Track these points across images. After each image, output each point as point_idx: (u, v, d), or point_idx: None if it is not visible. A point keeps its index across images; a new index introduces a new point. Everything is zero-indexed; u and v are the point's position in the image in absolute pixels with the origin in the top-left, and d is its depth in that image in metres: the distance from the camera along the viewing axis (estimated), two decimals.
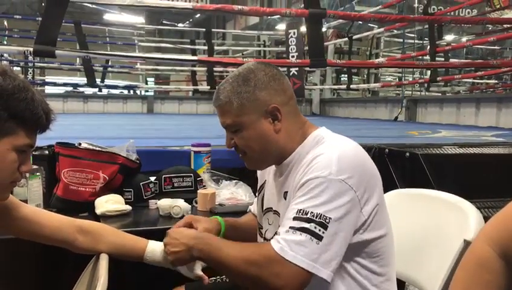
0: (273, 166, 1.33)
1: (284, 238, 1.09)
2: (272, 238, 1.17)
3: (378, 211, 1.17)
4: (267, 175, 1.39)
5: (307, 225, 1.08)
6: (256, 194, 1.45)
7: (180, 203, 1.82)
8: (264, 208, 1.37)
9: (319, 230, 1.07)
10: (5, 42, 9.13)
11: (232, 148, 1.29)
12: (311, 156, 1.17)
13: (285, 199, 1.25)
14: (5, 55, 7.05)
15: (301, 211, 1.10)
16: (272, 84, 1.23)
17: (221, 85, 1.27)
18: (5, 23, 10.15)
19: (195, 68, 8.59)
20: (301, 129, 1.26)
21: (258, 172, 1.46)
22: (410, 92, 7.93)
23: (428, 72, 6.58)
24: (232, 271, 1.15)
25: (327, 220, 1.08)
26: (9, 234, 1.26)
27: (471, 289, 0.86)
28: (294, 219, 1.10)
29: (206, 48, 8.81)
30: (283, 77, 1.27)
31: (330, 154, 1.14)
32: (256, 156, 1.27)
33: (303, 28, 5.95)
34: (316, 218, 1.08)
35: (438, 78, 6.32)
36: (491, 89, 8.75)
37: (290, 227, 1.10)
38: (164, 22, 16.66)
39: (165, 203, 1.84)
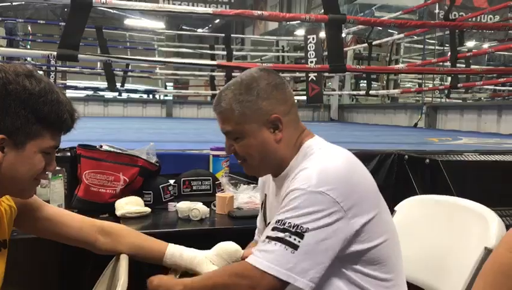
0: (272, 181, 1.34)
1: (259, 249, 1.11)
2: None
3: (375, 221, 1.16)
4: (266, 190, 1.40)
5: (281, 235, 1.08)
6: (260, 210, 1.45)
7: (199, 206, 1.84)
8: (267, 223, 1.37)
9: (294, 239, 1.07)
10: (29, 47, 9.33)
11: (232, 154, 1.30)
12: (298, 170, 1.17)
13: None
14: (28, 59, 7.18)
15: (279, 222, 1.10)
16: (275, 94, 1.22)
17: (222, 91, 1.25)
18: (29, 28, 10.37)
19: (213, 73, 8.64)
20: (299, 138, 1.26)
21: (259, 187, 1.48)
22: (430, 99, 7.85)
23: (449, 78, 6.50)
24: (216, 286, 1.15)
25: (303, 230, 1.07)
26: (32, 234, 1.28)
27: None
28: (272, 229, 1.11)
29: (224, 53, 8.86)
30: (285, 85, 1.27)
31: (312, 168, 1.14)
32: (256, 164, 1.27)
33: (322, 34, 5.94)
34: (292, 228, 1.08)
35: (459, 85, 6.23)
36: None
37: (267, 237, 1.11)
38: (184, 27, 16.81)
39: (184, 206, 1.85)
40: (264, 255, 1.08)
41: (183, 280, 1.21)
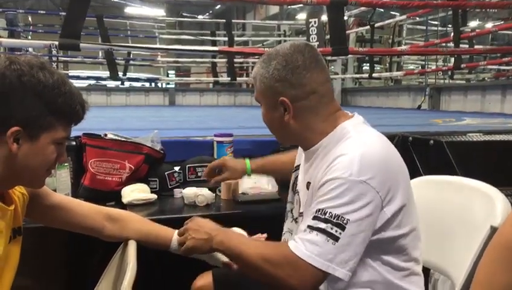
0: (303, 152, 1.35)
1: (301, 238, 1.11)
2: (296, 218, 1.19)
3: (403, 210, 1.16)
4: (300, 156, 1.41)
5: (323, 226, 1.08)
6: (293, 171, 1.47)
7: (205, 192, 1.85)
8: (295, 189, 1.39)
9: (336, 231, 1.08)
10: (30, 37, 9.31)
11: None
12: (334, 154, 1.15)
13: (307, 188, 1.27)
14: (30, 49, 7.16)
15: (320, 211, 1.10)
16: (289, 77, 1.20)
17: (259, 60, 1.29)
18: (30, 18, 10.34)
19: (215, 60, 8.61)
20: (326, 121, 1.23)
21: (298, 152, 1.48)
22: (434, 80, 7.80)
23: (452, 59, 6.45)
24: (249, 266, 1.17)
25: (345, 221, 1.08)
26: (40, 222, 1.30)
27: (498, 274, 0.85)
28: (313, 218, 1.11)
29: (226, 39, 8.81)
30: (308, 69, 1.21)
31: (352, 154, 1.12)
32: (276, 134, 1.33)
33: (324, 17, 5.90)
34: (333, 219, 1.08)
35: (462, 66, 6.18)
36: None
37: (308, 226, 1.11)
38: (184, 14, 16.70)
39: (189, 192, 1.86)
40: (306, 245, 1.09)
41: (224, 231, 1.24)
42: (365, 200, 1.08)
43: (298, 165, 1.42)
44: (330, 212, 1.08)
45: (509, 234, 0.86)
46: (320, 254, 1.07)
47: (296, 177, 1.41)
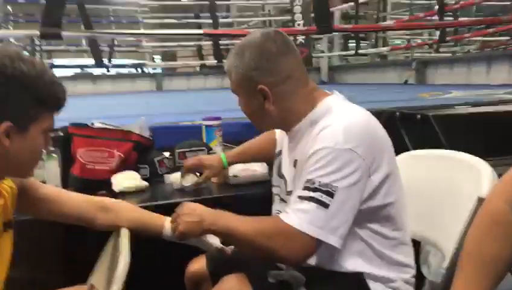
0: (286, 135, 1.36)
1: (292, 208, 1.14)
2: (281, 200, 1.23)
3: (389, 179, 1.19)
4: (282, 141, 1.42)
5: (313, 194, 1.11)
6: (276, 155, 1.47)
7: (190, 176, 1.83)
8: (281, 172, 1.40)
9: (325, 198, 1.10)
10: (10, 27, 9.13)
11: (244, 116, 1.36)
12: (319, 128, 1.18)
13: (294, 166, 1.28)
14: (11, 40, 7.03)
15: (309, 181, 1.13)
16: (264, 65, 1.23)
17: (230, 53, 1.31)
18: (9, 8, 10.12)
19: (201, 42, 8.53)
20: (305, 102, 1.27)
21: (277, 137, 1.49)
22: (420, 55, 7.80)
23: (438, 32, 6.45)
24: (242, 241, 1.19)
25: (333, 189, 1.10)
26: (30, 214, 1.29)
27: (486, 244, 0.87)
28: (303, 189, 1.13)
29: (210, 21, 8.72)
30: (282, 55, 1.25)
31: (337, 124, 1.16)
32: (256, 122, 1.35)
33: None
34: (322, 187, 1.11)
35: (447, 38, 6.20)
36: (503, 46, 8.57)
37: (298, 196, 1.14)
38: None
39: (175, 176, 1.86)
40: (297, 214, 1.12)
41: (214, 211, 1.24)
42: (352, 167, 1.11)
43: (281, 150, 1.43)
44: (319, 181, 1.11)
45: (494, 207, 0.88)
46: (311, 221, 1.10)
47: (280, 162, 1.42)
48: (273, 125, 1.38)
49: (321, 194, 1.11)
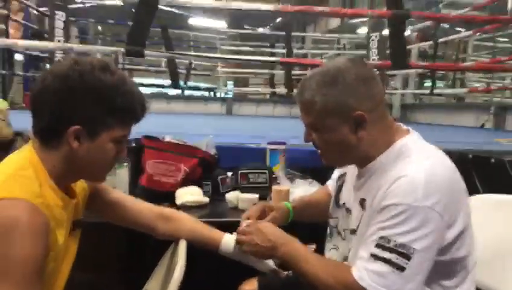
0: (354, 167, 1.29)
1: (365, 267, 1.07)
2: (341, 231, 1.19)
3: (464, 233, 1.12)
4: (344, 168, 1.38)
5: (388, 256, 1.04)
6: (336, 180, 1.42)
7: (246, 196, 1.87)
8: (340, 201, 1.36)
9: (401, 261, 1.04)
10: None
11: (309, 143, 1.25)
12: (394, 175, 1.10)
13: (361, 206, 1.22)
14: (98, 55, 7.54)
15: (384, 239, 1.06)
16: (361, 89, 1.14)
17: (306, 80, 1.19)
18: (99, 28, 10.87)
19: (273, 71, 8.68)
20: (387, 136, 1.18)
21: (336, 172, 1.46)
22: (499, 99, 7.45)
23: None
24: (309, 279, 1.16)
25: (411, 251, 1.04)
26: (97, 215, 1.34)
27: None
28: (377, 245, 1.07)
29: (284, 51, 8.87)
30: (374, 79, 1.18)
31: (415, 176, 1.06)
32: (335, 157, 1.24)
33: (386, 32, 5.81)
34: (399, 248, 1.04)
35: None
36: None
37: (372, 254, 1.07)
38: (245, 26, 16.97)
39: (232, 196, 1.90)
40: (370, 275, 1.06)
41: (284, 238, 1.22)
42: (430, 227, 1.04)
43: (344, 174, 1.38)
44: (395, 241, 1.04)
45: None
46: (386, 285, 1.04)
47: (340, 190, 1.37)
48: (353, 159, 1.24)
49: (397, 256, 1.04)
